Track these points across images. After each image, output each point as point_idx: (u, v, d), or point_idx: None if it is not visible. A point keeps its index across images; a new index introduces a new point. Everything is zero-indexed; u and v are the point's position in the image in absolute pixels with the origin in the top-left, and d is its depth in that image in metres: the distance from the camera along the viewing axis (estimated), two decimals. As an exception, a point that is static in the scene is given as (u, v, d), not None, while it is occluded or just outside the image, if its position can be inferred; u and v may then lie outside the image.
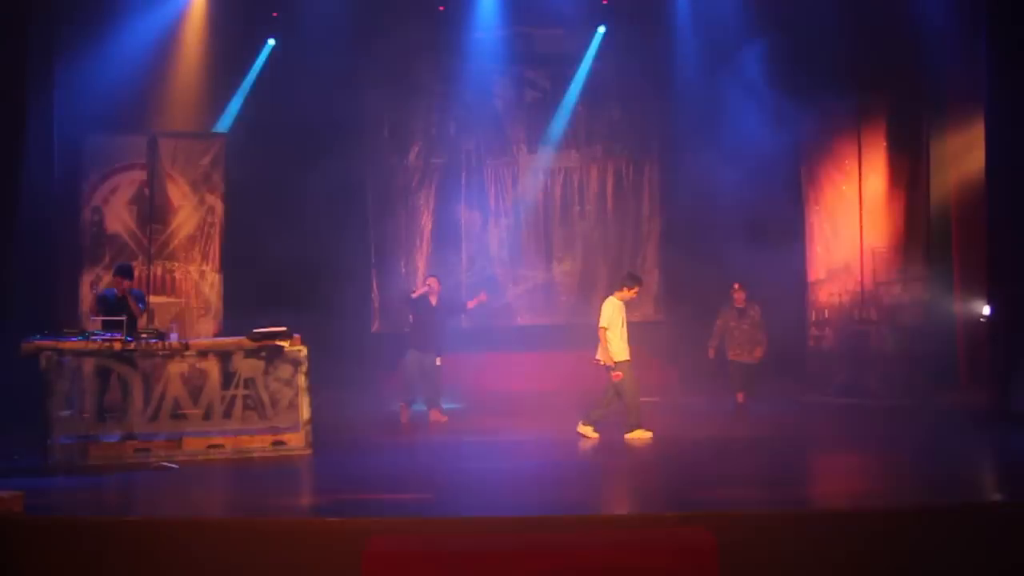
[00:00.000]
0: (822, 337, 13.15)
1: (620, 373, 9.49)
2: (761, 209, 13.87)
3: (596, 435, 9.49)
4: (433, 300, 11.27)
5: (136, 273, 11.52)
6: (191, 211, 13.04)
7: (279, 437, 8.97)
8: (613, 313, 9.59)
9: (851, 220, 12.72)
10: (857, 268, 12.66)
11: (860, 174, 12.62)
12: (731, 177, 14.24)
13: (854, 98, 12.64)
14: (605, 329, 9.51)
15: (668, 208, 15.41)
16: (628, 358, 9.57)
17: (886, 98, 12.34)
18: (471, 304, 11.48)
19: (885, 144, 12.34)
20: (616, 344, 9.50)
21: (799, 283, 13.50)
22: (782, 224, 13.70)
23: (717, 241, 13.85)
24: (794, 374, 13.37)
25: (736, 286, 11.50)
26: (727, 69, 14.21)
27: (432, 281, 11.30)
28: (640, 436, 9.39)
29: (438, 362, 11.16)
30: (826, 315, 13.10)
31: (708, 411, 11.47)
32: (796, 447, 9.19)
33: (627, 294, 9.69)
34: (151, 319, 12.19)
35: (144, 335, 8.97)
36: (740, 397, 11.35)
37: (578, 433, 9.58)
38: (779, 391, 13.08)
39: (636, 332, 15.06)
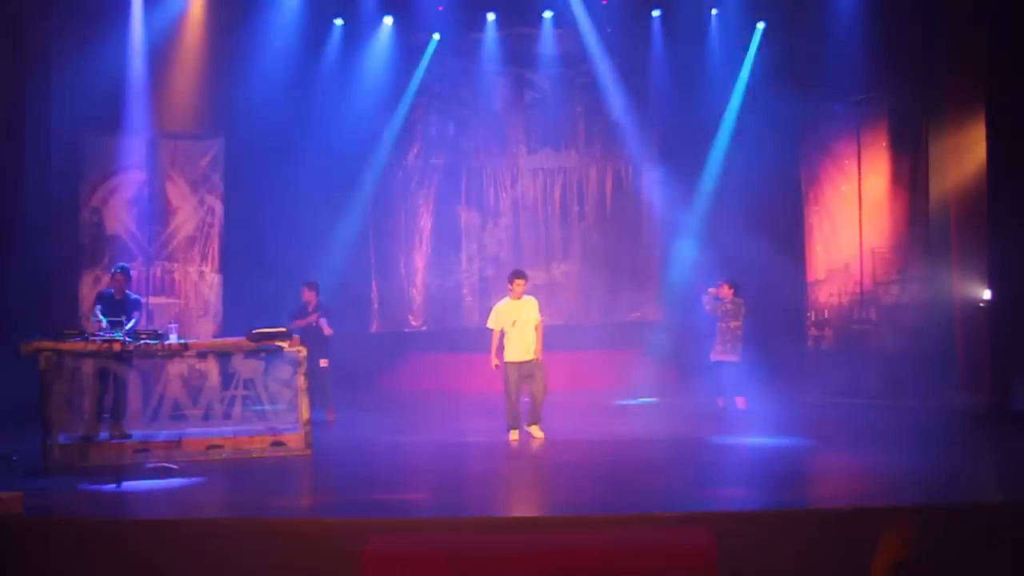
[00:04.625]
0: (822, 337, 13.10)
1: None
2: (760, 209, 13.87)
3: (541, 435, 9.50)
4: (311, 308, 11.30)
5: (135, 275, 11.52)
6: (190, 212, 13.04)
7: (278, 438, 8.96)
8: (498, 314, 9.56)
9: (851, 220, 12.70)
10: (857, 268, 12.64)
11: (860, 174, 12.60)
12: (731, 177, 14.28)
13: (854, 97, 12.61)
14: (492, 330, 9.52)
15: (668, 208, 15.38)
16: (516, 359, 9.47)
17: (886, 98, 12.31)
18: (312, 320, 11.28)
19: (885, 144, 12.30)
20: (506, 343, 9.49)
21: (798, 283, 13.48)
22: (782, 224, 13.69)
23: (716, 241, 13.89)
24: (793, 374, 13.33)
25: (720, 283, 11.40)
26: (726, 69, 14.25)
27: (303, 289, 11.32)
28: (512, 438, 9.48)
29: (323, 364, 11.09)
30: (826, 315, 13.07)
31: (707, 412, 11.43)
32: (796, 448, 9.17)
33: (512, 291, 9.55)
34: (150, 320, 12.20)
35: (144, 336, 8.95)
36: (721, 401, 11.26)
37: (529, 434, 9.58)
38: (778, 391, 13.09)
39: (636, 332, 15.25)
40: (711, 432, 10.18)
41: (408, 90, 15.16)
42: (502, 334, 9.54)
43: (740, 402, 11.28)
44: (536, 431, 9.51)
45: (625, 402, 12.87)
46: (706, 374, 11.50)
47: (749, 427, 10.38)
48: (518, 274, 9.65)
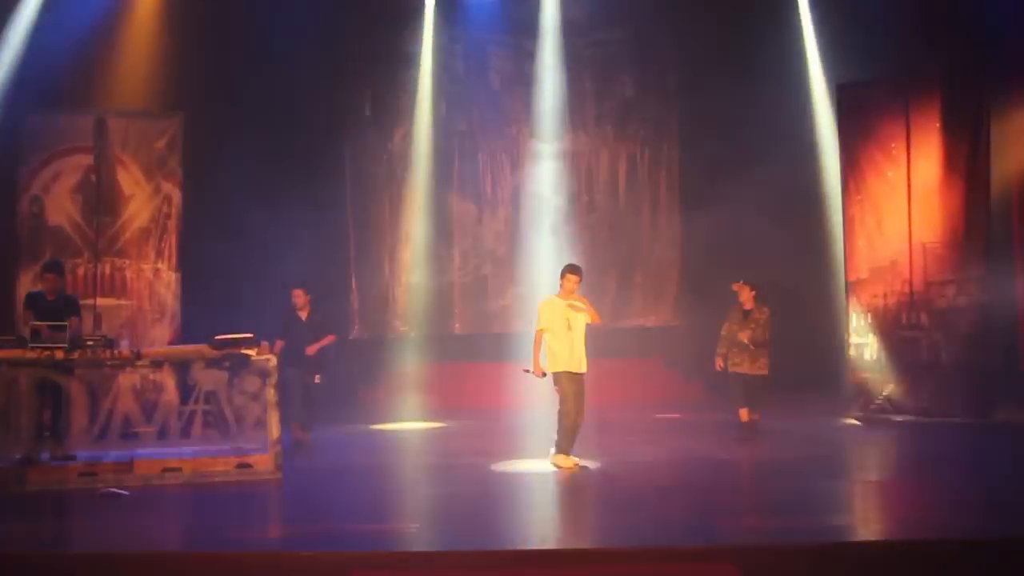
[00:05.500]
0: (864, 345, 13.09)
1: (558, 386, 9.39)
2: (795, 199, 13.88)
3: (574, 461, 9.33)
4: (303, 315, 11.15)
5: (80, 272, 11.46)
6: (144, 201, 13.00)
7: (245, 459, 8.91)
8: (548, 314, 9.42)
9: (898, 211, 12.65)
10: (905, 266, 12.60)
11: (909, 158, 12.56)
12: (760, 163, 14.23)
13: (902, 70, 12.58)
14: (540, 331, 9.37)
15: (688, 197, 15.39)
16: (566, 369, 9.35)
17: (939, 70, 12.28)
18: (310, 350, 11.17)
19: (938, 124, 12.27)
20: (550, 350, 9.36)
21: (837, 284, 13.48)
22: (818, 216, 13.67)
23: (745, 235, 13.87)
24: (831, 388, 13.35)
25: (737, 285, 11.38)
26: (756, 38, 14.21)
27: (297, 292, 11.18)
28: (559, 461, 9.27)
29: (317, 380, 11.05)
30: (869, 320, 13.03)
31: (734, 429, 11.41)
32: (832, 471, 9.16)
33: (562, 288, 9.45)
34: (98, 324, 12.15)
35: (90, 343, 8.90)
36: (744, 415, 11.26)
37: (554, 466, 9.40)
38: (814, 407, 13.09)
39: (653, 339, 15.27)
40: (736, 452, 10.17)
41: (393, 62, 15.14)
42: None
43: (743, 414, 11.26)
44: (566, 460, 9.31)
45: (642, 418, 12.83)
46: (729, 386, 11.51)
47: (776, 447, 10.39)
48: (573, 269, 9.47)
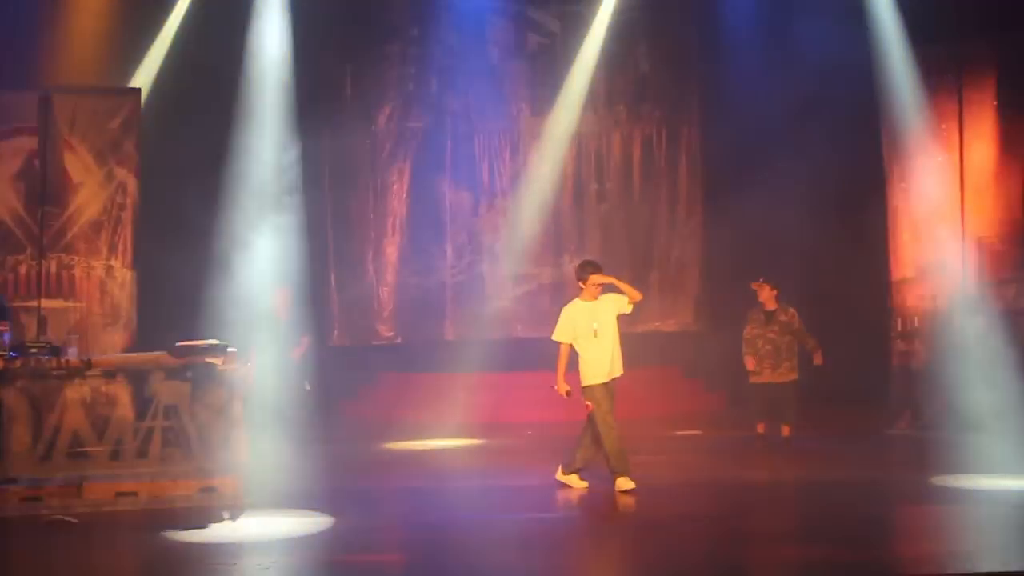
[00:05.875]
0: (910, 353, 13.05)
1: (590, 402, 9.23)
2: (831, 187, 13.85)
3: (583, 484, 9.25)
4: (283, 316, 11.15)
5: (23, 270, 11.34)
6: (96, 189, 12.89)
7: (209, 482, 8.77)
8: (569, 323, 9.28)
9: (950, 201, 12.61)
10: (958, 264, 12.56)
11: (961, 141, 12.52)
12: (792, 147, 14.20)
13: (954, 42, 12.51)
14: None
15: (711, 186, 15.38)
16: (602, 381, 9.21)
17: (995, 42, 12.22)
18: (295, 355, 11.17)
19: (994, 102, 12.25)
20: (582, 361, 9.18)
21: (879, 283, 13.45)
22: (858, 207, 13.63)
23: (774, 228, 13.81)
24: (874, 401, 13.31)
25: (756, 284, 11.40)
26: (788, 6, 14.15)
27: (281, 292, 11.19)
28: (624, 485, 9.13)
29: (308, 387, 11.03)
30: (916, 324, 12.99)
31: (763, 447, 11.42)
32: (875, 495, 9.09)
33: (585, 290, 9.28)
34: (43, 329, 12.03)
35: (33, 350, 8.79)
36: (761, 427, 11.30)
37: (558, 482, 9.35)
38: (854, 422, 13.03)
39: (671, 345, 15.21)
40: (769, 474, 10.15)
41: (377, 33, 15.08)
42: (570, 349, 9.22)
43: (760, 428, 11.40)
44: (574, 480, 9.25)
45: (658, 435, 12.78)
46: (749, 399, 11.58)
47: (811, 466, 10.39)
48: (593, 266, 9.24)
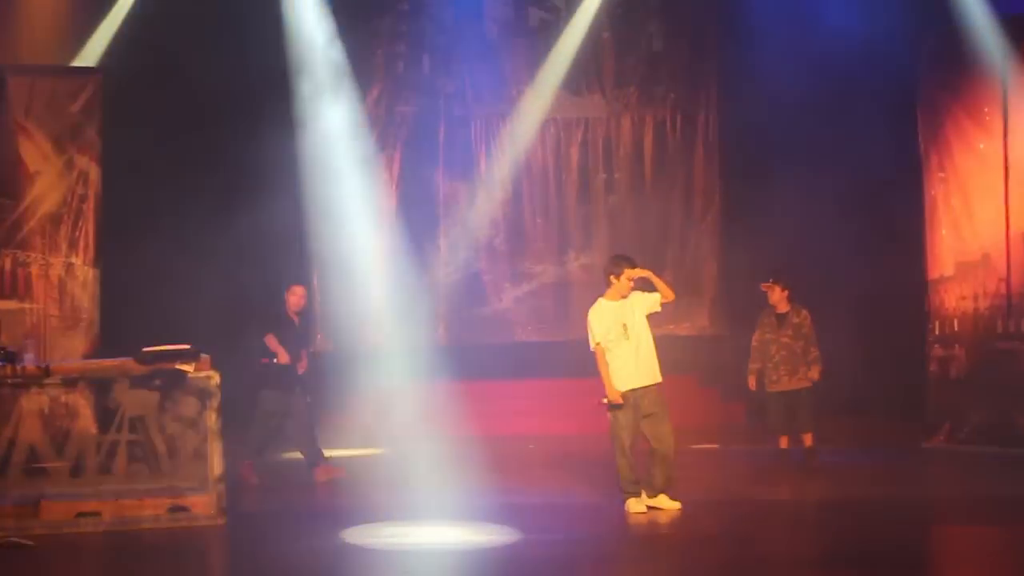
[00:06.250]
0: (950, 359, 13.04)
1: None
2: (861, 178, 13.88)
3: (675, 504, 9.14)
4: (296, 318, 11.09)
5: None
6: (54, 179, 12.92)
7: (180, 501, 8.84)
8: (598, 324, 9.26)
9: (992, 193, 12.62)
10: (1002, 261, 12.56)
11: (1006, 127, 12.52)
12: (819, 133, 14.22)
13: (996, 16, 12.50)
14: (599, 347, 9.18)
15: (730, 175, 15.38)
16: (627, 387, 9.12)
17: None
18: (302, 367, 11.11)
19: (1041, 83, 12.30)
20: (612, 368, 9.14)
21: (915, 283, 13.45)
22: (891, 199, 13.64)
23: (799, 223, 13.84)
24: (909, 412, 13.33)
25: (766, 285, 11.42)
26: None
27: (299, 290, 11.10)
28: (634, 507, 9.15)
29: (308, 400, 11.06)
30: (955, 327, 12.99)
31: (787, 462, 11.42)
32: (909, 516, 9.09)
33: (614, 287, 9.24)
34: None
35: (-14, 355, 8.84)
36: (784, 442, 11.31)
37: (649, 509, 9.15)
38: (886, 435, 13.08)
39: (686, 351, 15.18)
40: (790, 492, 10.18)
41: (362, 7, 15.10)
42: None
43: (783, 442, 11.44)
44: (665, 501, 9.16)
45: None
46: (766, 409, 11.60)
47: (838, 483, 10.42)
48: (628, 260, 9.21)
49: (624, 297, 9.15)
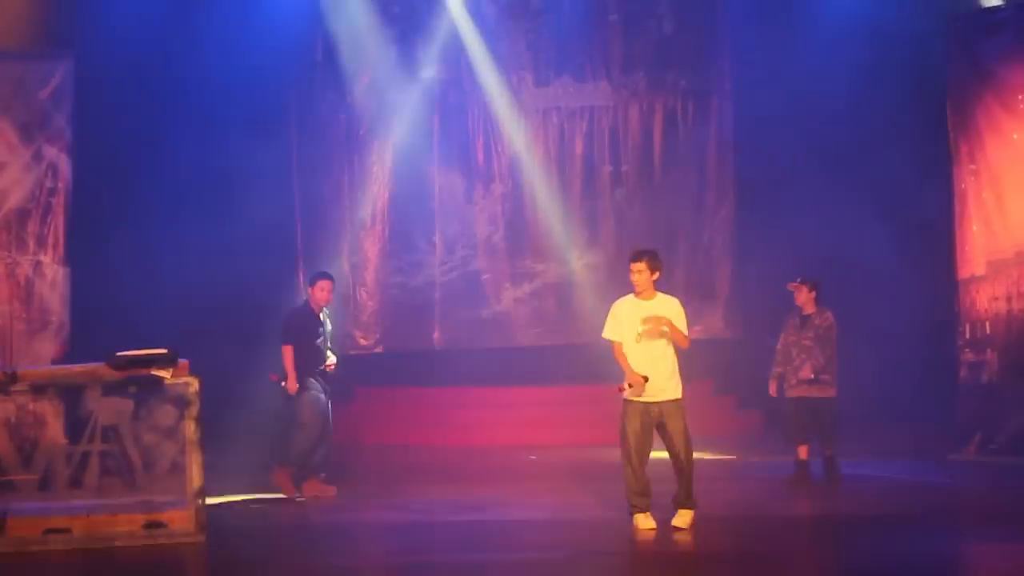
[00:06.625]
0: (981, 364, 13.02)
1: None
2: (886, 169, 13.86)
3: (686, 519, 9.07)
4: (323, 316, 10.95)
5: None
6: (20, 171, 12.92)
7: (156, 516, 8.77)
8: (614, 319, 9.12)
9: (1027, 185, 12.63)
10: (1036, 258, 12.59)
11: (1042, 116, 12.54)
12: (840, 121, 14.21)
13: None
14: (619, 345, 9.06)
15: (745, 167, 15.37)
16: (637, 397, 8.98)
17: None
18: (331, 367, 10.98)
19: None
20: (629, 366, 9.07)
21: (944, 282, 13.43)
22: (918, 192, 13.63)
23: (818, 219, 13.82)
24: (937, 419, 13.31)
25: (792, 285, 11.39)
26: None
27: (328, 285, 10.85)
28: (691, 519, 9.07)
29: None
30: (987, 330, 12.96)
31: (806, 474, 11.30)
32: (938, 532, 9.06)
33: (635, 283, 9.10)
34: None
35: (-52, 361, 8.83)
36: (803, 452, 11.28)
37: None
38: (913, 445, 13.06)
39: (698, 355, 15.12)
40: (810, 507, 10.20)
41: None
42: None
43: (802, 451, 11.37)
44: (682, 518, 9.05)
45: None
46: (784, 415, 11.56)
47: (861, 497, 10.43)
48: (635, 256, 9.09)
49: (651, 296, 9.05)
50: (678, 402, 9.04)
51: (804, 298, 11.36)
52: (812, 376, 11.13)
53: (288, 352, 10.48)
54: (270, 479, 10.64)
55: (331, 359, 10.80)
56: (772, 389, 11.44)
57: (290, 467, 10.63)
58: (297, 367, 10.36)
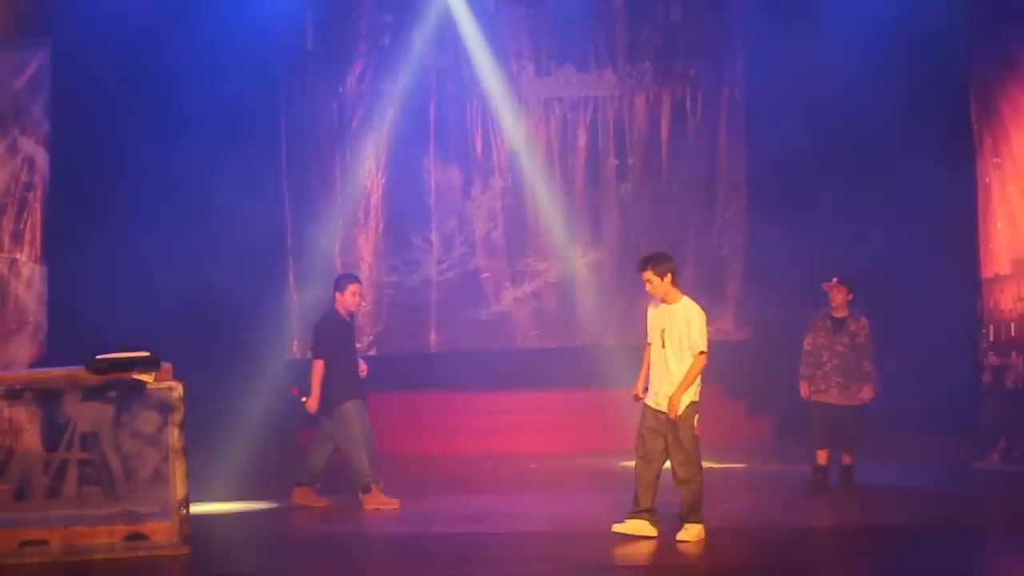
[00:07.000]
0: (1005, 368, 13.00)
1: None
2: (906, 163, 13.84)
3: (691, 534, 9.08)
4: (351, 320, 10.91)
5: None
6: (-5, 165, 12.92)
7: (137, 527, 8.79)
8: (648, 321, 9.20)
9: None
10: (1066, 257, 12.60)
11: (1070, 108, 12.55)
12: (858, 111, 14.20)
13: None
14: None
15: (757, 161, 15.37)
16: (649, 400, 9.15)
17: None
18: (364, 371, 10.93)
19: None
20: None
21: (967, 282, 13.43)
22: (939, 186, 13.63)
23: (834, 215, 13.81)
24: (958, 426, 13.32)
25: (828, 285, 11.40)
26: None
27: (356, 288, 10.75)
28: (695, 534, 9.11)
29: None
30: (1012, 332, 12.94)
31: (822, 482, 11.36)
32: (961, 544, 9.05)
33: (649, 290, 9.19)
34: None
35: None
36: (822, 456, 11.30)
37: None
38: (935, 453, 13.08)
39: (709, 358, 15.15)
40: (823, 518, 10.20)
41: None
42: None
43: (821, 456, 11.40)
44: (686, 532, 9.07)
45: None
46: (808, 418, 11.56)
47: (881, 507, 10.41)
48: (642, 263, 9.14)
49: (672, 303, 9.06)
50: (676, 419, 9.03)
51: (840, 299, 11.33)
52: (869, 398, 11.23)
53: (318, 367, 10.43)
54: (362, 504, 10.55)
55: (362, 365, 10.80)
56: (803, 390, 11.40)
57: (365, 488, 10.55)
58: (334, 380, 10.31)
